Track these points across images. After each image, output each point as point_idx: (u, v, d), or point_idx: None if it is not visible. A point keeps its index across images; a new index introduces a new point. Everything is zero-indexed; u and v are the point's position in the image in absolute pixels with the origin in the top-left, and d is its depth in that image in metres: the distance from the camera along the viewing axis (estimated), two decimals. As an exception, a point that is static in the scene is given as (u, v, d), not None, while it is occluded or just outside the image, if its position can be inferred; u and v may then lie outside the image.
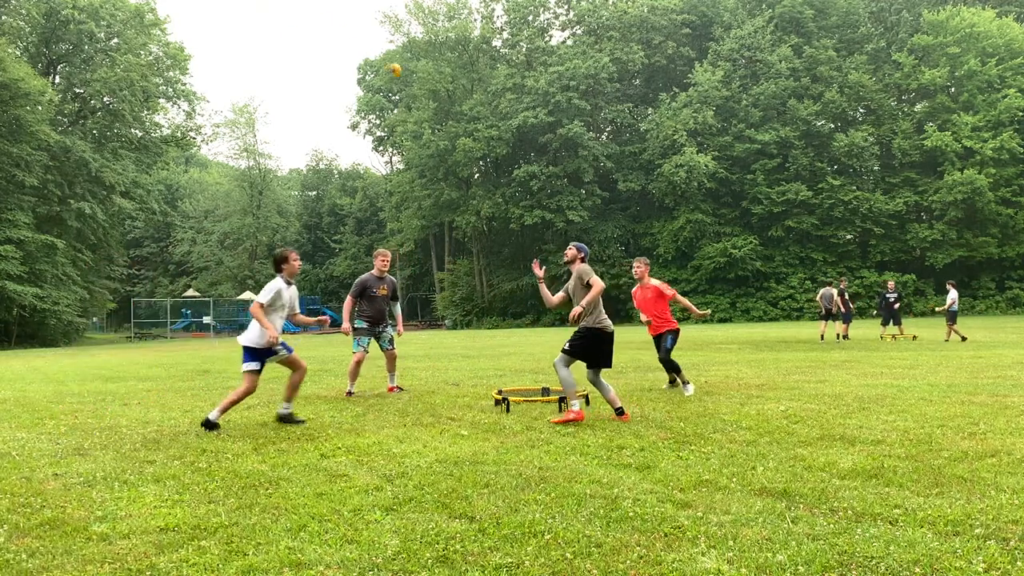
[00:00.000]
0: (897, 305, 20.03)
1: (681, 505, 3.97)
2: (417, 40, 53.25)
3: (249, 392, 6.73)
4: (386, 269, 9.08)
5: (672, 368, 8.89)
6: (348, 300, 9.01)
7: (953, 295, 18.77)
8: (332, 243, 65.18)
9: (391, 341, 9.23)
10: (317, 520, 3.82)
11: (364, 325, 8.98)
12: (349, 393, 8.93)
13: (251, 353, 6.67)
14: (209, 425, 6.63)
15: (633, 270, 9.21)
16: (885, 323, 19.99)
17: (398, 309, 9.50)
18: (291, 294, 6.96)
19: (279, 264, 6.90)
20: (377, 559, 3.25)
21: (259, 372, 6.74)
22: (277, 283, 6.83)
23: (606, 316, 6.84)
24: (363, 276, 9.09)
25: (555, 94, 44.39)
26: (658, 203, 45.38)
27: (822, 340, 19.00)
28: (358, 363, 8.87)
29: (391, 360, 9.33)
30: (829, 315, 19.10)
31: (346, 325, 8.84)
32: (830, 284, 20.32)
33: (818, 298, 19.69)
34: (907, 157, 43.04)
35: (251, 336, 6.65)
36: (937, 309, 19.91)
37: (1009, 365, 11.41)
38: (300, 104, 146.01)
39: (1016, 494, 4.05)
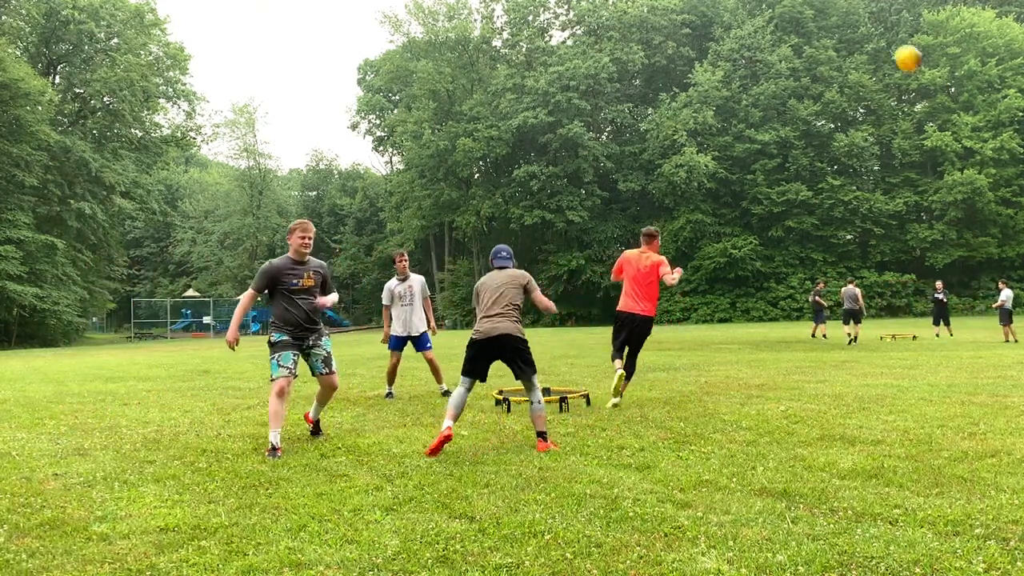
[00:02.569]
0: (935, 304, 20.33)
1: (681, 505, 3.97)
2: (417, 40, 53.27)
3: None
4: (308, 250, 5.88)
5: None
6: (245, 296, 5.90)
7: (1006, 293, 18.40)
8: (332, 243, 65.19)
9: (327, 361, 5.96)
10: (317, 520, 3.82)
11: (284, 337, 5.77)
12: (273, 450, 5.48)
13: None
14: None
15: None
16: (936, 323, 20.35)
17: (335, 295, 6.35)
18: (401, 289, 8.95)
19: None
20: (377, 559, 3.25)
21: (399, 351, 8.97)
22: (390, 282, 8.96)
23: (480, 322, 5.89)
24: (273, 261, 5.91)
25: (555, 94, 44.41)
26: (658, 203, 45.39)
27: (852, 343, 17.93)
28: (280, 394, 5.62)
29: (327, 390, 6.07)
30: (851, 315, 18.44)
31: (231, 333, 5.79)
32: (850, 282, 20.19)
33: (841, 295, 19.65)
34: (907, 157, 43.07)
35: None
36: (993, 306, 19.89)
37: (1009, 365, 11.42)
38: (300, 104, 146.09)
39: (1016, 494, 4.05)
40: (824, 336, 20.92)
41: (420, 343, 9.02)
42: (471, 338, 5.83)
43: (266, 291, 5.87)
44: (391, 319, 9.10)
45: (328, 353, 5.98)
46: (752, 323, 39.48)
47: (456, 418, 5.59)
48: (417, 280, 9.04)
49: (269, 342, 5.81)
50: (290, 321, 5.81)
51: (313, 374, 5.98)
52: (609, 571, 3.07)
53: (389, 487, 4.49)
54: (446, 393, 8.83)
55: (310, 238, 5.88)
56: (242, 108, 59.81)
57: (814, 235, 43.30)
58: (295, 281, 5.81)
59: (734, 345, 18.33)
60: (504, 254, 6.17)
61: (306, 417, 6.46)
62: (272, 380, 5.69)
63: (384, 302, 9.13)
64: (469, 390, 5.74)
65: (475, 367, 5.76)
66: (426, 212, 50.47)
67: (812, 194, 42.33)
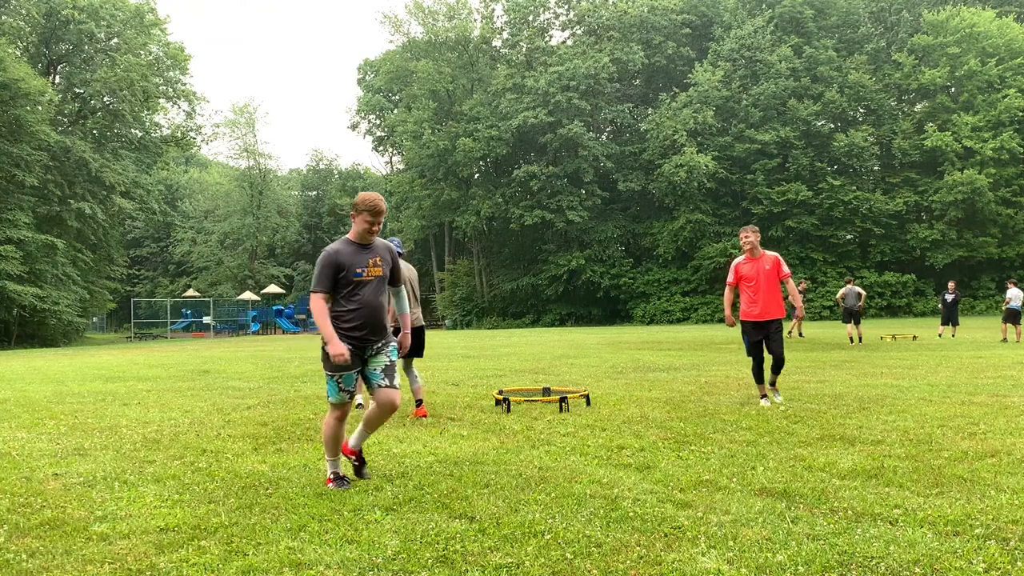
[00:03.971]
0: (948, 302, 20.37)
1: (681, 505, 3.97)
2: (417, 40, 53.28)
3: None
4: (378, 231, 4.66)
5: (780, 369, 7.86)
6: (318, 303, 4.49)
7: (1011, 292, 18.31)
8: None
9: (389, 371, 4.60)
10: (317, 520, 3.82)
11: (347, 345, 4.47)
12: (339, 479, 4.57)
13: None
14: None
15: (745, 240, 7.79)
16: (945, 323, 20.41)
17: (404, 301, 5.00)
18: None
19: None
20: (377, 559, 3.25)
21: None
22: None
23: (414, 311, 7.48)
24: (332, 247, 4.62)
25: (555, 94, 44.40)
26: (658, 203, 45.39)
27: (854, 343, 17.80)
28: (341, 420, 4.60)
29: (383, 409, 4.62)
30: (851, 315, 18.39)
31: (336, 346, 4.38)
32: (850, 281, 20.22)
33: (837, 298, 19.73)
34: (907, 157, 43.07)
35: None
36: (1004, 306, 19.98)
37: (1009, 365, 11.42)
38: (300, 104, 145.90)
39: (1016, 494, 4.05)
40: (800, 334, 21.51)
41: None
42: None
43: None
44: None
45: (392, 362, 4.64)
46: (752, 323, 39.46)
47: None
48: None
49: (324, 350, 4.50)
50: (353, 322, 4.50)
51: (368, 387, 4.65)
52: (609, 571, 3.07)
53: (389, 487, 4.49)
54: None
55: (379, 225, 4.61)
56: (242, 108, 59.86)
57: (814, 235, 43.29)
58: (359, 270, 4.53)
59: (734, 345, 18.32)
60: (398, 241, 7.15)
61: (344, 449, 4.77)
62: (330, 403, 4.60)
63: None
64: None
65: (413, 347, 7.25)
66: (426, 212, 50.48)
67: (812, 194, 42.31)
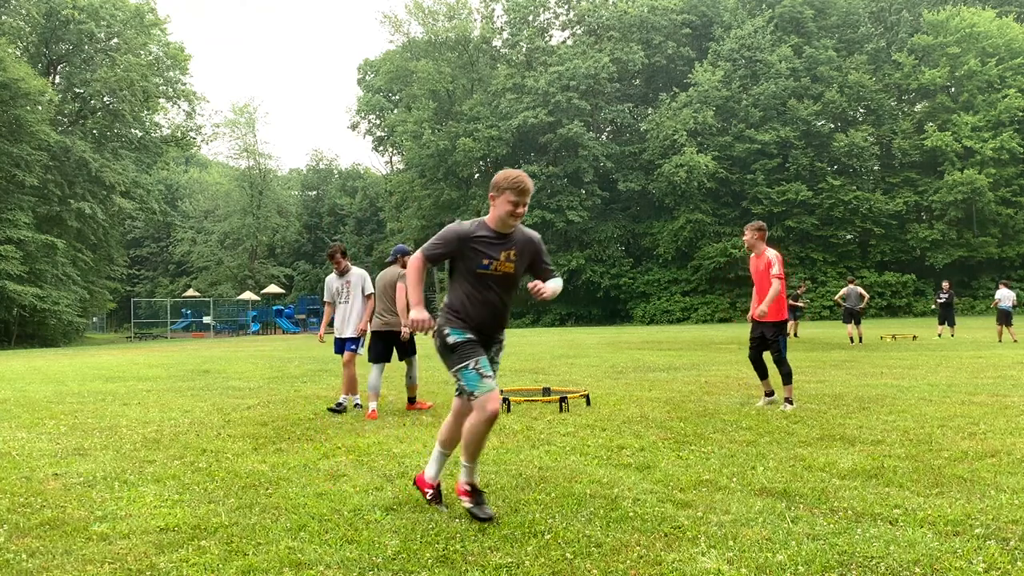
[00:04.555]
0: (941, 302, 20.39)
1: (681, 505, 3.97)
2: (417, 40, 53.30)
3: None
4: (517, 221, 3.83)
5: (786, 375, 7.30)
6: (414, 263, 3.87)
7: (1001, 293, 18.34)
8: (332, 243, 65.12)
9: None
10: (317, 520, 3.82)
11: (469, 335, 3.83)
12: (475, 492, 3.88)
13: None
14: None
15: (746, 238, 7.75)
16: (941, 323, 20.49)
17: (558, 281, 4.00)
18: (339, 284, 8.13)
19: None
20: (377, 559, 3.25)
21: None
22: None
23: (387, 315, 7.76)
24: (463, 224, 3.88)
25: (555, 94, 44.41)
26: (658, 203, 45.40)
27: (854, 343, 17.95)
28: (493, 420, 3.76)
29: (477, 424, 3.78)
30: (851, 315, 18.46)
31: (418, 312, 3.79)
32: (852, 281, 20.21)
33: (837, 298, 19.71)
34: (907, 157, 43.10)
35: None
36: (992, 305, 20.07)
37: (1009, 365, 11.42)
38: (300, 104, 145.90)
39: (1016, 494, 4.05)
40: (795, 334, 21.64)
41: (347, 342, 7.93)
42: (373, 330, 7.76)
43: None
44: (332, 318, 8.26)
45: (494, 364, 3.98)
46: (752, 323, 39.46)
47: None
48: (357, 275, 8.01)
49: (445, 342, 3.80)
50: (473, 316, 3.82)
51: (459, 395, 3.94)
52: (609, 571, 3.07)
53: (389, 487, 4.49)
54: (344, 407, 7.71)
55: (525, 204, 3.77)
56: (242, 108, 59.90)
57: (814, 235, 43.31)
58: (486, 262, 3.78)
59: (734, 345, 18.32)
60: (403, 247, 7.83)
61: (419, 480, 4.11)
62: (471, 397, 3.74)
63: (324, 298, 8.18)
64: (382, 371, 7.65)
65: (384, 351, 7.79)
66: (426, 212, 50.49)
67: (812, 194, 42.34)
